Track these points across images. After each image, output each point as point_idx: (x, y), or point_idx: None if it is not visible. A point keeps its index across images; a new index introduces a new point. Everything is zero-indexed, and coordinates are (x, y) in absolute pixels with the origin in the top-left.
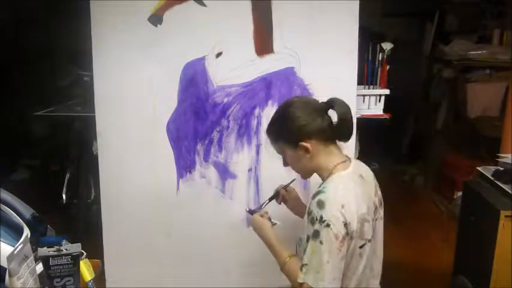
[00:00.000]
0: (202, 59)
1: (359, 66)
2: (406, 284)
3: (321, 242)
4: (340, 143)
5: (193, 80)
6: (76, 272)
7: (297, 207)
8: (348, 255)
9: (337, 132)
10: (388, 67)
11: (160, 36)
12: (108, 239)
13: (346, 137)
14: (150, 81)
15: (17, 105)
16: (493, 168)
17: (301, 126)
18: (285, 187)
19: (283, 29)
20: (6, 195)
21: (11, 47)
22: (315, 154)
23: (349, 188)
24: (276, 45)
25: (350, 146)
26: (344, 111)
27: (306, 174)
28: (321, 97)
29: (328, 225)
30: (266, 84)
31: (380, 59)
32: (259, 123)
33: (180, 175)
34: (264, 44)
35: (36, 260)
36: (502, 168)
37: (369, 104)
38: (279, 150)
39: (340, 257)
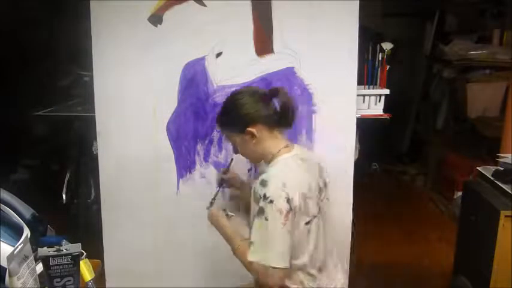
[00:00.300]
0: (202, 59)
1: (359, 66)
2: (406, 284)
3: (266, 219)
4: (340, 143)
5: (193, 80)
6: (76, 272)
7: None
8: (296, 233)
9: (280, 119)
10: (388, 67)
11: (160, 36)
12: (108, 239)
13: (287, 125)
14: (150, 81)
15: (17, 105)
16: (493, 168)
17: (247, 113)
18: (225, 171)
19: (283, 29)
20: (6, 195)
21: (11, 47)
22: (260, 139)
23: (291, 167)
24: (276, 45)
25: (350, 147)
26: (285, 100)
27: (254, 159)
28: (321, 97)
29: (271, 202)
30: (266, 84)
31: (380, 59)
32: None
33: (180, 175)
34: (264, 44)
35: (36, 260)
36: (502, 168)
37: (369, 104)
38: (229, 137)
39: (285, 231)
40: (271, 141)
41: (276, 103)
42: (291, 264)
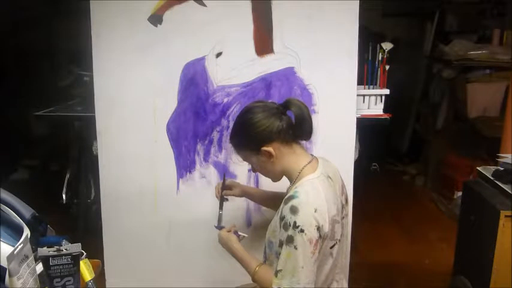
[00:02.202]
0: (202, 59)
1: (359, 66)
2: (406, 284)
3: (295, 247)
4: (340, 143)
5: (193, 80)
6: (76, 272)
7: (252, 195)
8: (320, 257)
9: (297, 132)
10: (388, 67)
11: (160, 36)
12: (108, 239)
13: (306, 136)
14: (150, 81)
15: (17, 105)
16: (493, 168)
17: (260, 131)
18: (223, 188)
19: (283, 29)
20: (6, 195)
21: (11, 47)
22: (279, 157)
23: (320, 191)
24: (276, 45)
25: (350, 147)
26: (301, 111)
27: (275, 178)
28: (321, 97)
29: (302, 231)
30: (266, 84)
31: (380, 59)
32: None
33: (180, 175)
34: (264, 44)
35: (36, 260)
36: (502, 168)
37: (369, 104)
38: (244, 157)
39: (313, 260)
40: (292, 157)
41: (291, 115)
42: None
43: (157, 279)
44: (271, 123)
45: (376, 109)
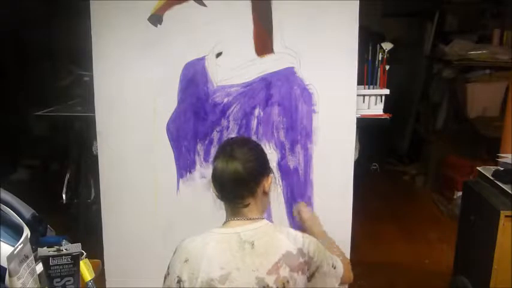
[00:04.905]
0: (202, 59)
1: (359, 66)
2: (406, 283)
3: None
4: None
5: (193, 80)
6: (76, 272)
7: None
8: None
9: None
10: (388, 67)
11: (160, 36)
12: (108, 239)
13: None
14: (150, 81)
15: (17, 105)
16: (493, 168)
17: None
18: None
19: (283, 29)
20: (6, 195)
21: (11, 47)
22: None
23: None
24: (276, 45)
25: (350, 147)
26: None
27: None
28: (321, 97)
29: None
30: (266, 84)
31: (380, 59)
32: (259, 124)
33: (180, 175)
34: (264, 44)
35: (36, 260)
36: (502, 168)
37: (369, 104)
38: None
39: None
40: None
41: None
42: None
43: (157, 279)
44: None
45: (376, 109)
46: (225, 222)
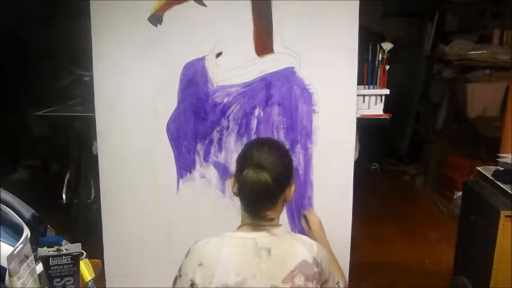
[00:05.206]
0: (202, 59)
1: (359, 66)
2: (406, 284)
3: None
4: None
5: (193, 80)
6: (76, 272)
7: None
8: None
9: None
10: (388, 67)
11: (160, 36)
12: (108, 239)
13: None
14: (150, 81)
15: (17, 105)
16: (493, 168)
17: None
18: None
19: (283, 29)
20: (6, 195)
21: (11, 47)
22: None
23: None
24: (276, 45)
25: (350, 147)
26: None
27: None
28: (321, 97)
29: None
30: (266, 84)
31: (380, 59)
32: (259, 124)
33: (180, 175)
34: (264, 44)
35: (36, 260)
36: (502, 168)
37: (369, 104)
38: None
39: None
40: None
41: None
42: None
43: (157, 279)
44: None
45: (376, 109)
46: (240, 226)
